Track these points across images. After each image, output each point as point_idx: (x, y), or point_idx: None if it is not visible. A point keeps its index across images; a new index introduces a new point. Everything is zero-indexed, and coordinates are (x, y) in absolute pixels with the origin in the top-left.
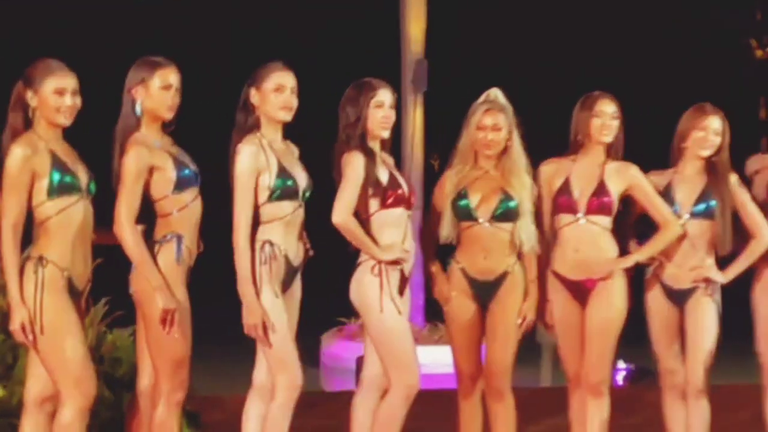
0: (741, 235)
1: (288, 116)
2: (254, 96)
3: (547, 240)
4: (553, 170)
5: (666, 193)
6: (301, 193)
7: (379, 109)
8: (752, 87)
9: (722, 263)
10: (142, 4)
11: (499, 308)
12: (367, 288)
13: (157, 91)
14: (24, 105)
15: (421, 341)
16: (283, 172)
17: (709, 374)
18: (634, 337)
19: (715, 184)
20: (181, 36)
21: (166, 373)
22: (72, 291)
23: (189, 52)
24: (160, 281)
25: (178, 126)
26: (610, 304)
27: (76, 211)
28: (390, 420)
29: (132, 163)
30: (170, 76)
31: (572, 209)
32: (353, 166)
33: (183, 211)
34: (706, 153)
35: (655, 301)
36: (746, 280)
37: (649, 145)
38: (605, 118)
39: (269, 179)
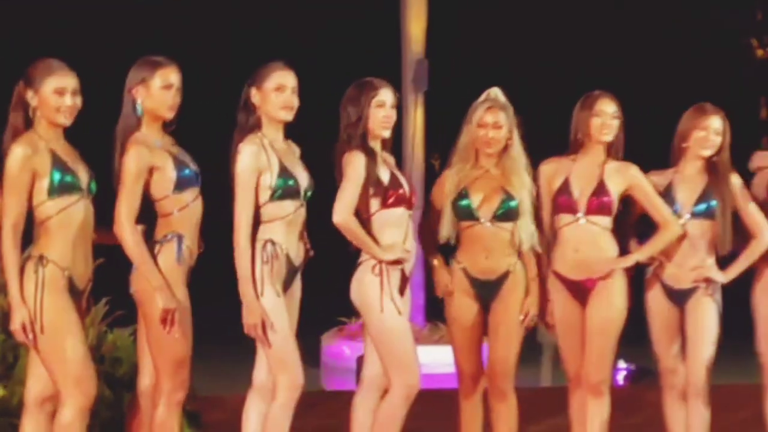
0: (741, 234)
1: (289, 116)
2: (255, 96)
3: (548, 240)
4: (553, 170)
5: (667, 193)
6: (302, 193)
7: (381, 109)
8: (752, 87)
9: (722, 263)
10: (142, 4)
11: (501, 307)
12: (368, 288)
13: (157, 91)
14: (25, 105)
15: (422, 341)
16: (284, 172)
17: (710, 374)
18: (634, 336)
19: (715, 184)
20: (181, 36)
21: (167, 372)
22: (73, 290)
23: (189, 52)
24: (160, 281)
25: (179, 126)
26: (611, 303)
27: (77, 210)
28: (390, 420)
29: (132, 163)
30: (171, 75)
31: (572, 209)
32: (354, 165)
33: (183, 211)
34: (707, 153)
35: (656, 300)
36: (746, 280)
37: (649, 145)
38: (605, 118)
39: (271, 179)
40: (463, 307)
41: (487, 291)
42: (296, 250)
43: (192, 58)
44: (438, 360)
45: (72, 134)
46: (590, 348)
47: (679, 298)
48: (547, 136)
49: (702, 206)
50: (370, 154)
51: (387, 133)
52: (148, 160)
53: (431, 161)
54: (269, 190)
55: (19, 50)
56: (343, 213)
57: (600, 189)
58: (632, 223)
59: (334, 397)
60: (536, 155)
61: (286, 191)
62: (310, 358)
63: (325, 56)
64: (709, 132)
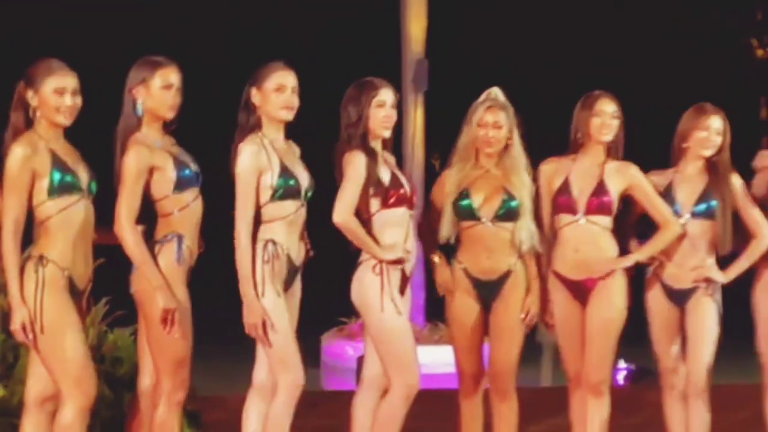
0: (741, 234)
1: (289, 116)
2: (255, 96)
3: (548, 240)
4: (552, 169)
5: (667, 193)
6: (303, 193)
7: (381, 109)
8: (752, 87)
9: (723, 263)
10: (142, 4)
11: (503, 307)
12: (368, 287)
13: (158, 91)
14: (25, 104)
15: (422, 341)
16: (285, 172)
17: (710, 374)
18: (634, 336)
19: (715, 184)
20: (181, 36)
21: (167, 372)
22: (73, 290)
23: (189, 52)
24: (160, 281)
25: (179, 126)
26: (611, 304)
27: (77, 210)
28: (390, 420)
29: (132, 163)
30: (171, 75)
31: (572, 209)
32: (354, 165)
33: (184, 211)
34: (708, 153)
35: (656, 300)
36: (747, 280)
37: (649, 145)
38: (605, 118)
39: (271, 179)
40: (464, 307)
41: (488, 291)
42: (297, 250)
43: (192, 58)
44: (438, 360)
45: (73, 134)
46: (590, 348)
47: (679, 298)
48: (547, 136)
49: (702, 206)
50: (371, 154)
51: (387, 133)
52: (148, 160)
53: (431, 161)
54: (270, 190)
55: (19, 50)
56: (343, 213)
57: (600, 189)
58: (632, 223)
59: (334, 397)
60: (536, 155)
61: (287, 191)
62: (311, 358)
63: (325, 56)
64: (710, 132)
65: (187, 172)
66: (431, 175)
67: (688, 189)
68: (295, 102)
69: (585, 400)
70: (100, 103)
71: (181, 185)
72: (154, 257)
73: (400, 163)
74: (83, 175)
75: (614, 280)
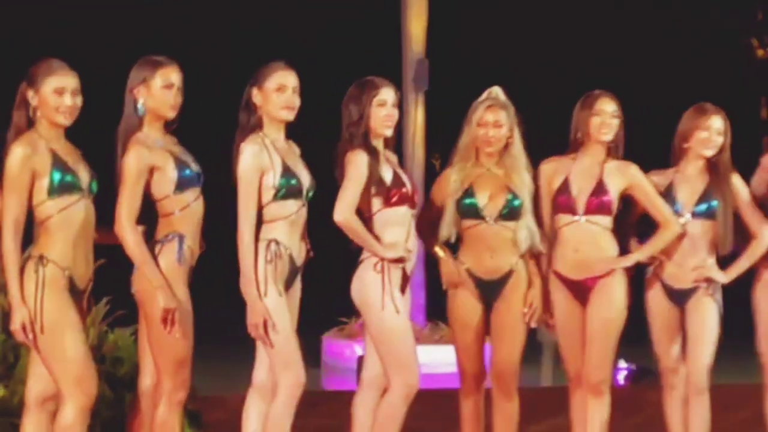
0: (742, 234)
1: (290, 116)
2: (256, 96)
3: (548, 239)
4: (552, 169)
5: (667, 193)
6: (304, 193)
7: (382, 108)
8: (752, 87)
9: (723, 263)
10: (142, 4)
11: (505, 306)
12: (369, 286)
13: (159, 91)
14: (27, 104)
15: (422, 340)
16: (287, 172)
17: (710, 374)
18: (634, 336)
19: (716, 184)
20: (181, 36)
21: (168, 372)
22: (73, 290)
23: (189, 52)
24: (161, 281)
25: (179, 126)
26: (611, 304)
27: (77, 210)
28: (389, 419)
29: (132, 164)
30: (172, 75)
31: (571, 209)
32: (356, 164)
33: (185, 211)
34: (710, 153)
35: (656, 300)
36: (747, 279)
37: (649, 145)
38: (605, 117)
39: (274, 178)
40: (466, 306)
41: (490, 291)
42: (298, 250)
43: (192, 58)
44: (438, 360)
45: (74, 134)
46: (590, 348)
47: (679, 297)
48: (547, 135)
49: (703, 206)
50: (373, 153)
51: (389, 132)
52: (149, 160)
53: (432, 161)
54: (272, 190)
55: (20, 50)
56: (344, 212)
57: (599, 188)
58: (632, 223)
59: (335, 397)
60: (536, 155)
61: (289, 191)
62: (311, 358)
63: (325, 56)
64: (711, 132)
65: (187, 172)
66: (431, 175)
67: (688, 189)
68: (296, 102)
69: (585, 399)
70: (100, 103)
71: (182, 185)
72: (155, 257)
73: (401, 162)
74: (84, 174)
75: (614, 280)
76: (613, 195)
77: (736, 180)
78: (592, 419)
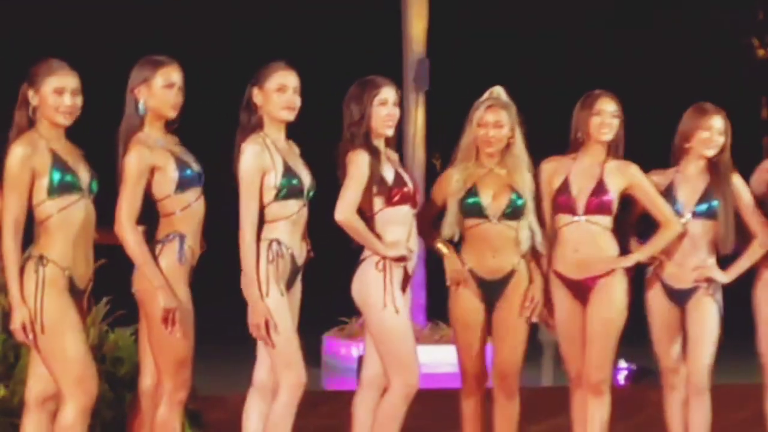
0: (742, 234)
1: (291, 116)
2: (257, 96)
3: (549, 239)
4: (552, 169)
5: (668, 193)
6: (305, 192)
7: (383, 107)
8: (752, 87)
9: (723, 263)
10: (142, 4)
11: (506, 306)
12: (370, 284)
13: (159, 90)
14: (28, 104)
15: (423, 340)
16: (288, 171)
17: (710, 374)
18: (635, 336)
19: (717, 184)
20: (181, 36)
21: (169, 372)
22: (73, 290)
23: (189, 52)
24: (161, 281)
25: (180, 126)
26: (611, 303)
27: (77, 210)
28: (389, 419)
29: (133, 164)
30: (173, 74)
31: (571, 209)
32: (357, 164)
33: (186, 211)
34: (711, 153)
35: (656, 300)
36: (747, 279)
37: (649, 145)
38: (605, 117)
39: (275, 178)
40: (467, 306)
41: (492, 290)
42: (299, 250)
43: (192, 58)
44: (439, 359)
45: (74, 134)
46: (591, 348)
47: (679, 297)
48: (548, 135)
49: (703, 206)
50: (374, 153)
51: (390, 131)
52: (150, 160)
53: (432, 161)
54: (274, 190)
55: (20, 50)
56: (345, 211)
57: (599, 188)
58: (633, 223)
59: (335, 397)
60: (537, 154)
61: (290, 191)
62: (311, 358)
63: (325, 56)
64: (712, 132)
65: (188, 172)
66: (432, 175)
67: (689, 189)
68: (297, 102)
69: (585, 399)
70: (101, 103)
71: (182, 185)
72: (156, 257)
73: (402, 162)
74: (84, 174)
75: (615, 280)
76: (613, 195)
77: (737, 180)
78: (593, 419)
